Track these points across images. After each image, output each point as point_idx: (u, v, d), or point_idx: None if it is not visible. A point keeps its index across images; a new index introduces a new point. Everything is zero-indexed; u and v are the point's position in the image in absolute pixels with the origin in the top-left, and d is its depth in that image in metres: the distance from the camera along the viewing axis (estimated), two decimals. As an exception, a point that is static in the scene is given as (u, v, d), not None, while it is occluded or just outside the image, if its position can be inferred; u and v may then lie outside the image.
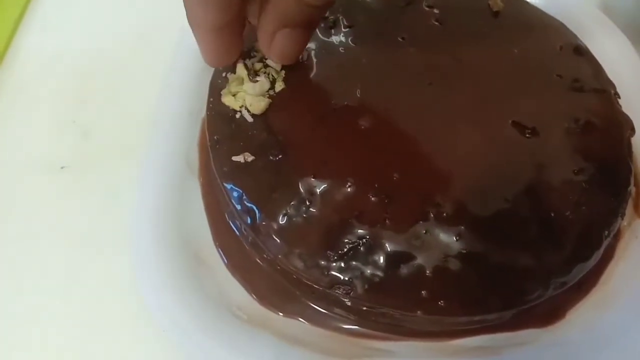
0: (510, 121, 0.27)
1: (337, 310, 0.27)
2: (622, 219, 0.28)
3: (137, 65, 0.37)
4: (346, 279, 0.24)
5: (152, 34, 0.38)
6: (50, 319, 0.28)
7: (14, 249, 0.30)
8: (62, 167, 0.33)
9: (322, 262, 0.24)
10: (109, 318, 0.28)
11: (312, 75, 0.29)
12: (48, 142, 0.34)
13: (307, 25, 0.26)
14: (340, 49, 0.29)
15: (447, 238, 0.24)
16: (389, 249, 0.24)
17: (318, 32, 0.30)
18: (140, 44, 0.38)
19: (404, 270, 0.24)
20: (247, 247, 0.29)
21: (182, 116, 0.31)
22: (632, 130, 0.29)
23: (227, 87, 0.28)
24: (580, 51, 0.31)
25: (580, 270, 0.26)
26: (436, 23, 0.31)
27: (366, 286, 0.24)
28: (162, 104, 0.32)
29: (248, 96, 0.28)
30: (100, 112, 0.35)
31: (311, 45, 0.29)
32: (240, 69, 0.28)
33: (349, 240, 0.24)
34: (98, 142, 0.34)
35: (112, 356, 0.28)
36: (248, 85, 0.28)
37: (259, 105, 0.27)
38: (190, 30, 0.25)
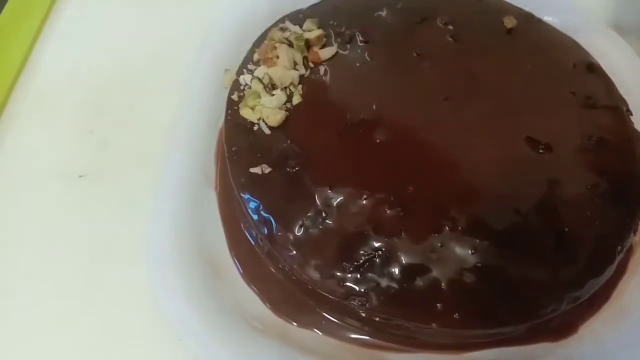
0: (524, 137, 0.28)
1: (351, 321, 0.27)
2: (635, 234, 0.28)
3: (154, 77, 0.37)
4: (362, 290, 0.25)
5: (170, 46, 0.38)
6: (68, 326, 0.29)
7: (32, 256, 0.31)
8: (80, 176, 0.33)
9: (338, 273, 0.25)
10: (125, 325, 0.28)
11: (328, 89, 0.29)
12: (67, 151, 0.34)
13: None
14: (356, 63, 0.30)
15: (463, 251, 0.24)
16: (404, 261, 0.24)
17: (335, 48, 0.30)
18: (157, 56, 0.38)
19: (420, 282, 0.24)
20: (263, 258, 0.29)
21: (200, 128, 0.32)
22: (644, 146, 0.30)
23: (244, 100, 0.29)
24: (593, 68, 0.32)
25: (594, 285, 0.26)
26: (451, 39, 0.31)
27: (382, 298, 0.24)
28: (181, 115, 0.32)
29: (265, 109, 0.28)
30: (118, 123, 0.36)
31: (328, 60, 0.30)
32: (256, 84, 0.29)
33: (365, 251, 0.25)
34: (115, 152, 0.34)
35: (129, 363, 0.28)
36: (265, 99, 0.28)
37: (275, 117, 0.28)
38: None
